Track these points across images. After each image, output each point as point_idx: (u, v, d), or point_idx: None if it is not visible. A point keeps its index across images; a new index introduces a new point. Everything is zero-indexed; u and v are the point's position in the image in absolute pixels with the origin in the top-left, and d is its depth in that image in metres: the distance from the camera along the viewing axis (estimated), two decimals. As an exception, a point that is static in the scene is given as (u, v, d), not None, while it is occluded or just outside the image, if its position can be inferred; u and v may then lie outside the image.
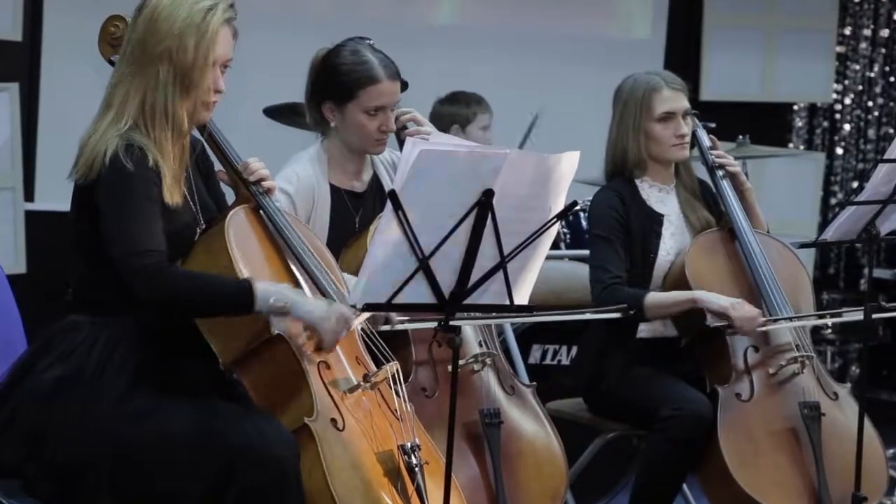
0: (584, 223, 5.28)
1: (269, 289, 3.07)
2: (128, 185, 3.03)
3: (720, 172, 4.17)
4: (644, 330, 4.08)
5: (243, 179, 3.27)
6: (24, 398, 3.04)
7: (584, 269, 4.35)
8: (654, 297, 3.98)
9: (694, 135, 4.20)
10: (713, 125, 4.33)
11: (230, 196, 3.36)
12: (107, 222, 3.03)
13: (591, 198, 4.30)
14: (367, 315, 3.24)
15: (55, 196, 5.66)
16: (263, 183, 3.28)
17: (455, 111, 5.43)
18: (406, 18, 6.31)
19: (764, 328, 3.95)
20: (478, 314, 3.55)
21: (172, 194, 3.09)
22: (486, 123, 5.54)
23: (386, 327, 3.46)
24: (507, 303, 3.11)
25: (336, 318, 3.11)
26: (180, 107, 3.10)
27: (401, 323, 3.49)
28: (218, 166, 3.34)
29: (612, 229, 4.06)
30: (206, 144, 3.30)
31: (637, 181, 4.16)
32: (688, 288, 4.01)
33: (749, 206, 4.16)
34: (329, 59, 3.70)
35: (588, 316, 3.96)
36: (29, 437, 3.01)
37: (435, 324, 3.25)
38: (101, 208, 3.04)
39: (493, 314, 3.60)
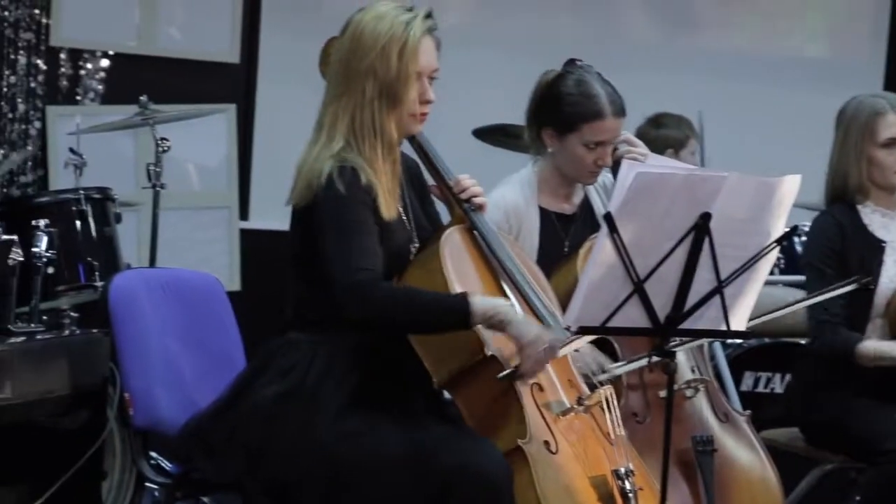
0: (798, 248, 5.16)
1: (485, 303, 3.06)
2: (341, 206, 3.07)
3: None
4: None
5: (455, 196, 3.28)
6: (244, 414, 3.09)
7: (797, 295, 4.24)
8: (867, 347, 3.86)
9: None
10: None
11: (443, 212, 3.38)
12: (323, 244, 3.07)
13: (808, 223, 4.20)
14: (583, 339, 3.20)
15: (269, 215, 5.80)
16: (475, 200, 3.28)
17: (668, 134, 5.37)
18: (611, 37, 6.28)
19: None
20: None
21: (388, 209, 3.12)
22: (695, 147, 5.47)
23: (604, 376, 3.42)
24: (724, 328, 3.04)
25: (545, 347, 3.07)
26: (388, 121, 3.13)
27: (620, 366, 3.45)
28: (430, 181, 3.36)
29: (825, 259, 3.96)
30: (419, 160, 3.33)
31: (859, 206, 4.04)
32: (912, 316, 3.89)
33: None
34: (556, 86, 3.67)
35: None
36: (248, 451, 3.06)
37: (645, 361, 3.22)
38: (318, 231, 3.08)
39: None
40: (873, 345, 3.89)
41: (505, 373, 3.09)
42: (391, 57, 3.11)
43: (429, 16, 3.16)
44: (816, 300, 3.81)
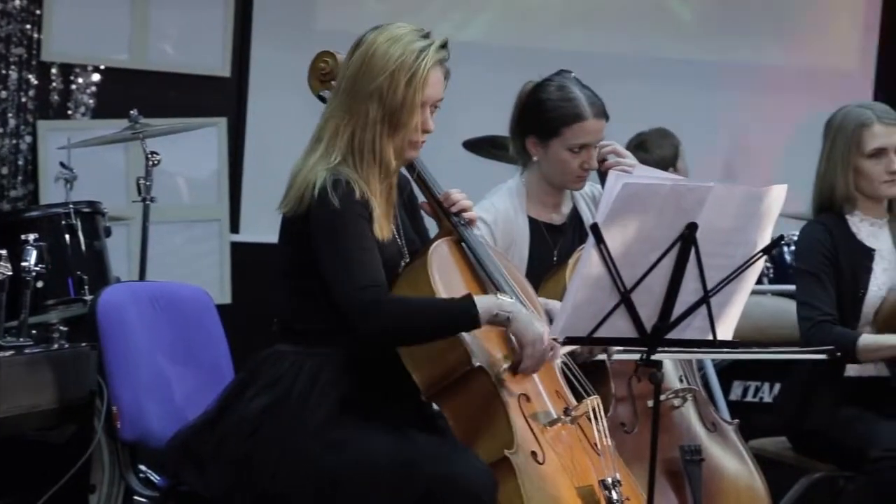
0: (787, 258, 5.17)
1: (489, 301, 3.07)
2: (339, 223, 3.06)
3: None
4: (853, 369, 3.96)
5: (445, 210, 3.28)
6: (232, 426, 3.10)
7: (788, 305, 4.25)
8: (867, 339, 3.86)
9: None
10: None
11: (432, 227, 3.39)
12: (325, 264, 3.07)
13: (796, 232, 4.21)
14: (569, 349, 3.22)
15: (260, 228, 5.81)
16: (465, 214, 3.29)
17: (661, 154, 5.37)
18: (605, 51, 6.30)
19: None
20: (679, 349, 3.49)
21: (382, 230, 3.12)
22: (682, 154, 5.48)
23: (602, 356, 3.44)
24: (710, 338, 3.05)
25: (541, 349, 3.08)
26: (387, 146, 3.13)
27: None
28: (421, 198, 3.36)
29: (819, 265, 3.96)
30: (408, 174, 3.33)
31: (847, 216, 4.05)
32: (901, 324, 3.90)
33: None
34: (535, 94, 3.69)
35: (791, 356, 3.85)
36: (236, 464, 3.06)
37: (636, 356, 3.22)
38: (317, 249, 3.08)
39: (693, 349, 3.52)
40: (871, 337, 3.88)
41: (504, 367, 3.10)
42: (399, 84, 3.10)
43: (444, 45, 3.15)
44: (800, 357, 3.80)
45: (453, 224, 3.27)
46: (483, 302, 3.06)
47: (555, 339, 3.05)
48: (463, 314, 3.04)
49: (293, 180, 3.14)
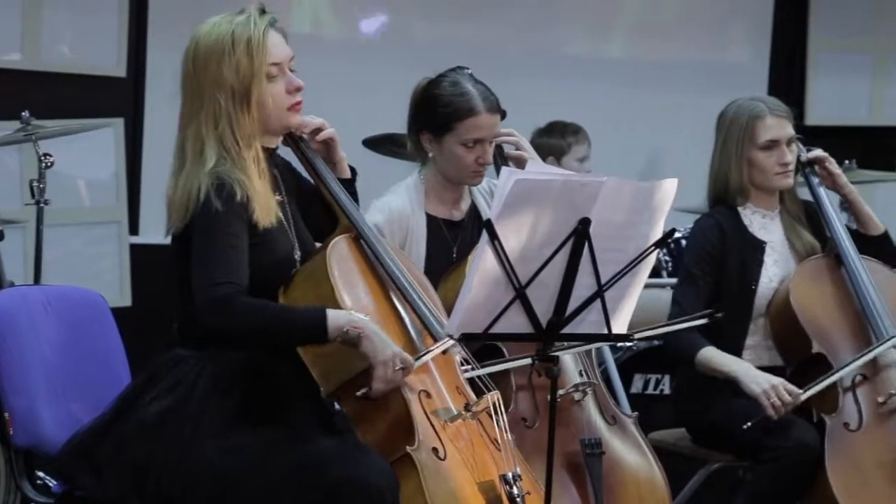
0: (686, 251, 5.22)
1: (341, 317, 3.03)
2: (214, 222, 3.03)
3: (816, 180, 4.09)
4: (748, 360, 4.01)
5: (294, 140, 3.23)
6: (129, 430, 3.06)
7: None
8: (706, 353, 3.90)
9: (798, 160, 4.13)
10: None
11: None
12: (192, 258, 3.05)
13: (692, 226, 4.25)
14: (439, 348, 3.19)
15: (159, 229, 5.66)
16: (319, 135, 3.25)
17: (550, 142, 5.41)
18: (505, 47, 6.32)
19: (803, 397, 3.80)
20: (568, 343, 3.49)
21: (266, 215, 3.08)
22: (582, 155, 5.51)
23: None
24: (606, 332, 3.07)
25: (393, 371, 3.04)
26: (253, 123, 3.08)
27: (494, 365, 3.46)
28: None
29: (698, 262, 4.01)
30: (301, 172, 3.30)
31: (740, 208, 4.10)
32: (791, 315, 3.95)
33: (858, 210, 4.09)
34: (429, 90, 3.70)
35: (671, 329, 3.84)
36: (133, 468, 3.03)
37: (528, 360, 3.22)
38: (192, 245, 3.06)
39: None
40: (710, 354, 3.90)
41: (360, 393, 3.09)
42: (240, 60, 3.06)
43: (263, 11, 3.12)
44: (672, 329, 3.82)
45: (302, 152, 3.23)
46: (335, 317, 3.02)
47: (450, 337, 3.05)
48: (310, 328, 3.02)
49: (172, 202, 3.08)
